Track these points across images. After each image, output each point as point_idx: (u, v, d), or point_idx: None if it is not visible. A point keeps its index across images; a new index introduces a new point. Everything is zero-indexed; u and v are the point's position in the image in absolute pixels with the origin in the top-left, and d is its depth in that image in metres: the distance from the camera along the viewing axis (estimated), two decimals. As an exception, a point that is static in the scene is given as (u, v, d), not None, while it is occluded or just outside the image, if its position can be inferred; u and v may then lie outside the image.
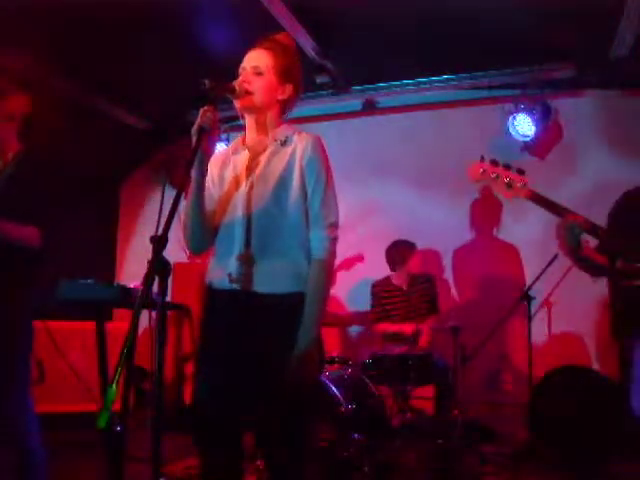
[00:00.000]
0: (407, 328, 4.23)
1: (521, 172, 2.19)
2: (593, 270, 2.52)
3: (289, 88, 2.03)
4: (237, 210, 1.95)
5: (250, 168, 1.99)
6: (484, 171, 2.22)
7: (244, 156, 2.04)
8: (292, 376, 1.82)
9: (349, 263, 5.17)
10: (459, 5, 3.81)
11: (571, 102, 4.83)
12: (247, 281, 1.90)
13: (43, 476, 2.42)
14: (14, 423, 2.39)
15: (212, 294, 1.98)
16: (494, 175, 2.20)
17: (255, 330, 1.89)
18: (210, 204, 2.01)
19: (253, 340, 1.88)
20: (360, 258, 5.17)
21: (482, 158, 2.23)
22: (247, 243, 1.91)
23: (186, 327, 5.14)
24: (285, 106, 2.06)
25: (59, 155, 2.64)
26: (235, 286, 1.91)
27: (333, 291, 5.18)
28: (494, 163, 2.20)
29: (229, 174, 2.04)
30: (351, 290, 5.25)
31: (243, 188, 1.97)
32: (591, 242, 2.30)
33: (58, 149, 2.72)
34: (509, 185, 2.17)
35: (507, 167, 2.19)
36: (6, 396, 2.38)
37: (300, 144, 1.98)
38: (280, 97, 2.03)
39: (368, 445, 3.26)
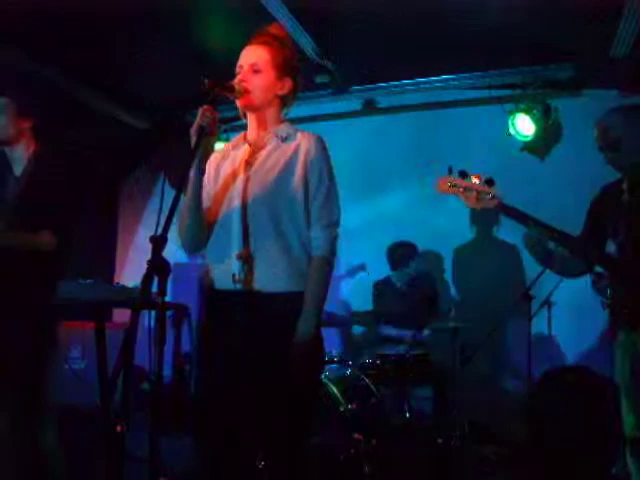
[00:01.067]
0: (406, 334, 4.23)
1: (490, 183, 2.20)
2: (571, 273, 2.56)
3: (288, 82, 2.03)
4: (233, 204, 1.94)
5: (249, 162, 1.99)
6: (453, 184, 2.23)
7: (244, 151, 2.03)
8: (292, 373, 1.82)
9: (352, 272, 5.17)
10: (459, 5, 3.80)
11: (571, 102, 4.83)
12: (250, 281, 1.89)
13: (59, 476, 2.43)
14: (28, 423, 2.39)
15: (214, 294, 1.97)
16: (462, 187, 2.21)
17: (258, 330, 1.88)
18: (206, 201, 2.00)
19: (256, 340, 1.87)
20: (362, 268, 5.17)
21: (450, 170, 2.23)
22: (245, 239, 1.91)
23: (186, 327, 5.14)
24: (285, 101, 2.06)
25: (59, 161, 2.64)
26: (238, 286, 1.90)
27: (333, 291, 5.18)
28: (463, 175, 2.21)
29: (226, 169, 2.03)
30: (351, 290, 5.25)
31: (240, 182, 1.96)
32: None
33: (58, 148, 2.71)
34: (478, 198, 2.20)
35: (477, 179, 2.20)
36: (21, 396, 2.38)
37: (304, 142, 1.98)
38: (280, 92, 2.03)
39: (368, 445, 3.26)
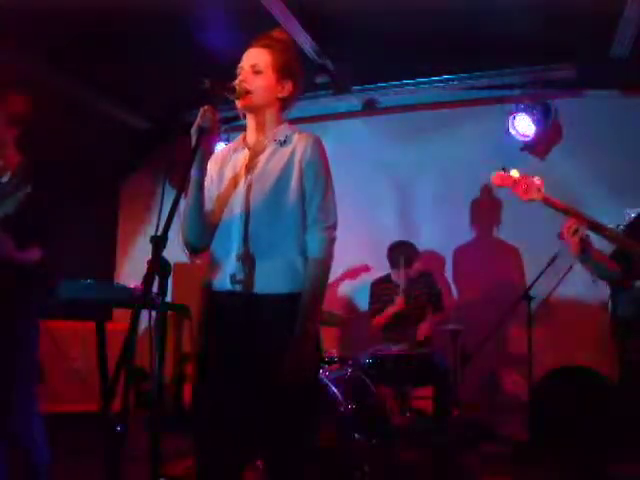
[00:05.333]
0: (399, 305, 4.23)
1: (539, 180, 2.52)
2: (604, 275, 2.62)
3: (289, 85, 2.03)
4: (235, 209, 1.95)
5: (249, 167, 1.99)
6: (506, 178, 2.56)
7: (244, 155, 2.03)
8: (289, 374, 1.82)
9: (355, 273, 5.17)
10: (459, 5, 3.81)
11: (571, 102, 4.83)
12: (249, 282, 1.89)
13: (47, 476, 2.43)
14: (19, 423, 2.39)
15: (212, 295, 1.97)
16: (513, 180, 2.54)
17: (256, 331, 1.88)
18: (208, 203, 2.00)
19: (254, 341, 1.87)
20: (366, 268, 5.15)
21: (504, 169, 2.57)
22: (245, 242, 1.91)
23: (186, 327, 5.14)
24: (285, 103, 2.06)
25: (59, 161, 2.63)
26: (237, 287, 1.90)
27: (334, 291, 5.18)
28: (514, 173, 2.56)
29: (228, 173, 2.03)
30: (352, 290, 5.25)
31: (241, 187, 1.96)
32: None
33: (58, 152, 2.71)
34: (526, 190, 2.51)
35: (525, 175, 2.54)
36: (11, 397, 2.38)
37: (300, 144, 1.98)
38: (280, 95, 2.02)
39: (368, 445, 3.26)
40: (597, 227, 2.44)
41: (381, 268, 4.63)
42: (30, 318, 2.47)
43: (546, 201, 2.50)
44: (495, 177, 2.59)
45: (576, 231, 2.40)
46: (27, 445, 2.41)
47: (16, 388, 2.40)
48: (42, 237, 2.46)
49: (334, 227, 1.98)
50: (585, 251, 2.45)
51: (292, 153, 1.97)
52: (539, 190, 2.49)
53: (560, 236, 2.51)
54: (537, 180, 2.51)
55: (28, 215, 2.41)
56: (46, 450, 2.45)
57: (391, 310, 4.30)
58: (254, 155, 2.01)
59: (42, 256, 2.43)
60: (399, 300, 4.25)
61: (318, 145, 1.99)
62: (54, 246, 2.49)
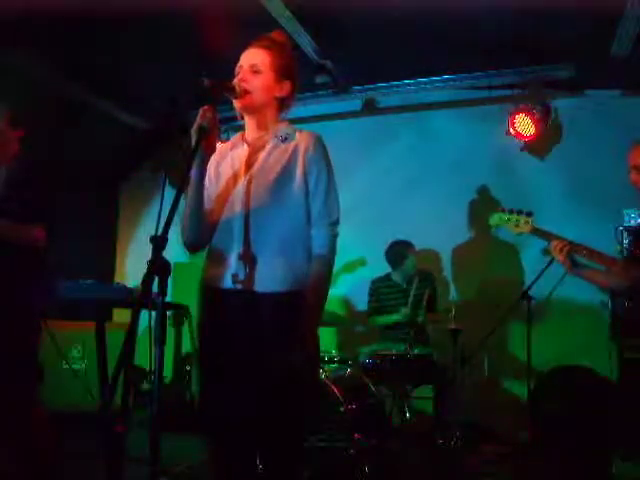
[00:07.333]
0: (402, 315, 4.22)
1: (529, 214, 2.78)
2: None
3: (287, 85, 2.04)
4: (235, 206, 1.94)
5: (249, 163, 1.99)
6: (500, 218, 2.85)
7: (243, 151, 2.03)
8: (293, 372, 1.82)
9: (351, 266, 5.17)
10: (459, 5, 3.80)
11: (571, 102, 4.83)
12: (250, 281, 1.89)
13: (54, 476, 2.44)
14: (24, 423, 2.40)
15: (212, 293, 1.97)
16: (506, 219, 2.83)
17: (258, 330, 1.88)
18: (207, 202, 2.00)
19: (255, 340, 1.87)
20: (362, 262, 5.17)
21: (503, 209, 2.85)
22: (246, 240, 1.91)
23: (186, 327, 5.14)
24: (283, 104, 2.07)
25: (59, 154, 2.64)
26: (239, 286, 1.90)
27: (334, 291, 5.18)
28: (510, 211, 2.84)
29: (226, 170, 2.03)
30: (352, 290, 5.25)
31: (241, 183, 1.96)
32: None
33: (58, 148, 2.71)
34: (516, 225, 2.79)
35: (519, 212, 2.80)
36: (15, 397, 2.39)
37: (303, 142, 1.99)
38: (278, 95, 2.03)
39: (368, 445, 3.26)
40: (576, 249, 2.61)
41: (380, 268, 4.63)
42: (30, 318, 2.48)
43: (533, 232, 2.76)
44: (492, 218, 2.90)
45: (562, 249, 2.59)
46: (35, 445, 2.41)
47: (17, 388, 2.40)
48: (43, 218, 2.46)
49: (337, 223, 2.00)
50: (576, 267, 2.62)
51: (295, 149, 1.98)
52: (527, 223, 2.76)
53: (543, 253, 2.64)
54: (529, 215, 2.77)
55: (21, 193, 2.42)
56: (54, 450, 2.46)
57: (394, 319, 4.30)
58: (254, 151, 2.01)
59: (46, 240, 2.43)
60: (405, 312, 4.23)
61: (320, 142, 2.01)
62: (55, 234, 2.49)
